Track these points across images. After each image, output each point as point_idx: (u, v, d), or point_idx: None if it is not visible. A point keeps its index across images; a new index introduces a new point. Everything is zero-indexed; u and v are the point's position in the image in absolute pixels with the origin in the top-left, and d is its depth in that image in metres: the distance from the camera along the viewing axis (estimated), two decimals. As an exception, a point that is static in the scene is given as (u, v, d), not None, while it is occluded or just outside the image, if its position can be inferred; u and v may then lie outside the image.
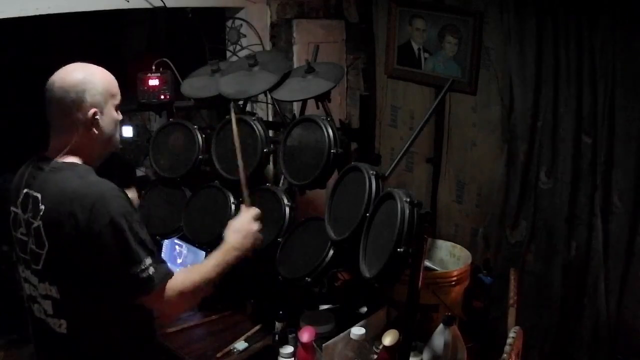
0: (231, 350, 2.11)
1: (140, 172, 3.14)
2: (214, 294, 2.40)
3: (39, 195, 1.50)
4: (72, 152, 1.54)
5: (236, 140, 1.98)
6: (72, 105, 1.50)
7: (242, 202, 1.92)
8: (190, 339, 2.20)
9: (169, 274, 1.52)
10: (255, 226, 1.81)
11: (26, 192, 1.53)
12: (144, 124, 3.33)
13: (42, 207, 1.48)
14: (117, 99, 1.60)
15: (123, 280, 1.47)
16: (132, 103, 2.74)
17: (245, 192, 1.91)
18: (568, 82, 2.34)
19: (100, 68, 1.59)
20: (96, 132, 1.54)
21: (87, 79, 1.52)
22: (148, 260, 1.46)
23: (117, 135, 1.64)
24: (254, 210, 1.85)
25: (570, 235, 2.40)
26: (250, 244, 1.77)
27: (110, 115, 1.58)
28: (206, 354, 2.10)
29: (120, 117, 1.64)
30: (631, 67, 2.16)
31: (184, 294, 1.54)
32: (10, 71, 3.03)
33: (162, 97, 2.57)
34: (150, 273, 1.46)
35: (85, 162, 1.56)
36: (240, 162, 1.96)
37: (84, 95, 1.51)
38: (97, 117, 1.53)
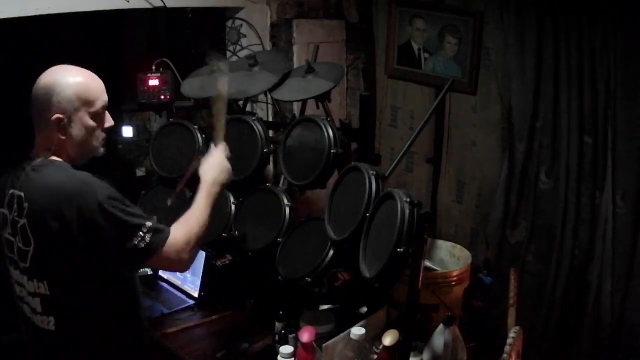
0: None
1: (140, 172, 3.15)
2: (213, 294, 2.43)
3: (22, 194, 1.51)
4: (50, 151, 1.56)
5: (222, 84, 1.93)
6: (42, 106, 1.52)
7: (214, 142, 1.89)
8: (190, 339, 2.19)
9: (167, 232, 1.55)
10: (227, 162, 1.84)
11: (11, 193, 1.55)
12: (144, 124, 3.33)
13: (26, 204, 1.50)
14: (95, 107, 1.57)
15: (124, 254, 1.50)
16: (132, 103, 2.74)
17: (221, 131, 1.89)
18: (568, 82, 2.34)
19: (82, 73, 1.57)
20: (62, 137, 1.54)
21: (57, 83, 1.51)
22: (144, 228, 1.49)
23: (95, 142, 1.61)
24: (224, 146, 1.87)
25: (571, 235, 2.40)
26: (225, 178, 1.80)
27: (81, 123, 1.55)
28: (206, 353, 2.10)
29: (103, 124, 1.61)
30: (631, 67, 2.16)
31: (189, 245, 1.58)
32: (10, 71, 3.02)
33: (162, 97, 2.57)
34: (147, 240, 1.49)
35: (64, 160, 1.57)
36: (221, 108, 1.91)
37: (50, 100, 1.51)
38: (63, 123, 1.52)
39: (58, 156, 1.56)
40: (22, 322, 1.66)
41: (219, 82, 1.93)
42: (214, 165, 1.80)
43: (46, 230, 1.46)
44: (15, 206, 1.53)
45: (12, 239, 1.55)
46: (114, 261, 1.52)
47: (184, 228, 1.61)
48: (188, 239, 1.59)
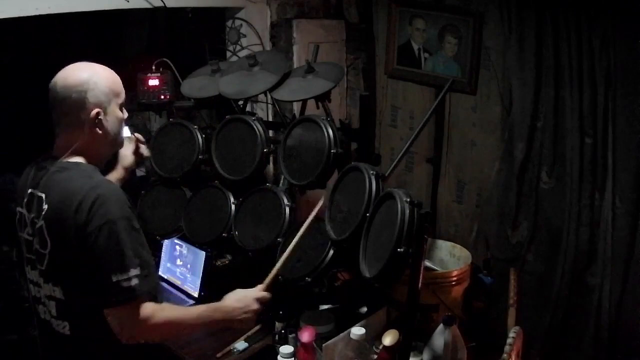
0: (231, 350, 2.11)
1: (140, 172, 3.15)
2: (213, 294, 2.42)
3: (43, 195, 1.50)
4: (76, 152, 1.54)
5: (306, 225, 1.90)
6: (75, 105, 1.50)
7: (262, 281, 1.84)
8: (190, 339, 2.19)
9: (154, 297, 1.48)
10: (257, 307, 1.75)
11: (31, 192, 1.53)
12: (144, 124, 3.33)
13: (46, 206, 1.48)
14: (122, 98, 1.60)
15: (104, 284, 1.44)
16: (132, 103, 2.74)
17: (271, 277, 1.84)
18: (568, 82, 2.34)
19: (104, 67, 1.59)
20: (100, 132, 1.54)
21: (90, 78, 1.52)
22: (135, 271, 1.43)
23: (122, 134, 1.64)
24: (266, 295, 1.79)
25: (572, 235, 2.39)
26: (243, 319, 1.72)
27: (114, 115, 1.58)
28: (206, 354, 2.10)
29: (125, 115, 1.64)
30: (631, 67, 2.16)
31: (155, 324, 1.50)
32: (10, 71, 3.02)
33: (162, 97, 2.57)
34: (133, 284, 1.43)
35: (89, 161, 1.56)
36: (288, 253, 1.88)
37: (86, 95, 1.50)
38: (100, 117, 1.53)
39: (84, 156, 1.54)
40: (36, 323, 1.64)
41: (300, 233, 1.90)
42: (242, 304, 1.71)
43: (62, 234, 1.45)
44: (34, 206, 1.52)
45: (31, 239, 1.54)
46: (94, 287, 1.45)
47: (166, 309, 1.53)
48: (159, 318, 1.50)
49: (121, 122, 1.61)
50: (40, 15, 2.25)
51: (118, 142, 1.63)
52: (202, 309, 1.64)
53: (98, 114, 1.52)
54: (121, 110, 1.61)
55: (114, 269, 1.42)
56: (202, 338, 2.22)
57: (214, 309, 1.66)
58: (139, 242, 1.47)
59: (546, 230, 2.49)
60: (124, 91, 1.61)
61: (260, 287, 1.80)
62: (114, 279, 1.42)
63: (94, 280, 1.46)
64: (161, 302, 1.53)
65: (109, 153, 1.63)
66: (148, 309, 1.48)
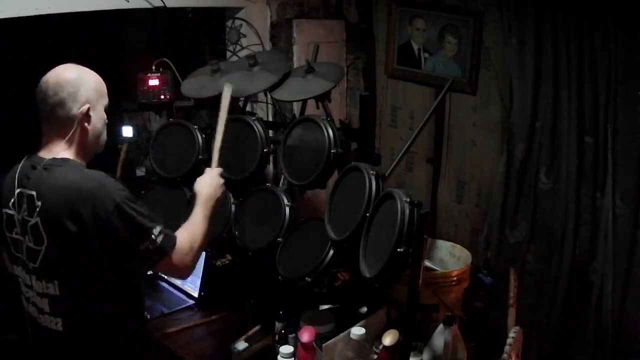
0: (231, 350, 2.11)
1: (140, 172, 3.15)
2: (213, 294, 2.43)
3: (34, 193, 1.51)
4: (63, 150, 1.57)
5: (224, 110, 2.04)
6: (67, 100, 1.54)
7: (210, 164, 1.99)
8: (190, 339, 2.20)
9: (175, 236, 1.60)
10: (221, 180, 1.92)
11: (19, 192, 1.54)
12: (144, 124, 3.33)
13: (39, 203, 1.49)
14: (106, 100, 1.66)
15: (136, 256, 1.53)
16: (132, 103, 2.74)
17: (216, 156, 1.99)
18: (568, 81, 2.34)
19: (90, 70, 1.64)
20: (88, 127, 1.58)
21: (80, 76, 1.58)
22: (156, 230, 1.53)
23: (104, 136, 1.68)
24: (218, 169, 1.95)
25: (572, 235, 2.40)
26: (220, 195, 1.88)
27: (99, 114, 1.63)
28: (206, 354, 2.11)
29: (106, 117, 1.68)
30: (632, 66, 2.16)
31: (192, 251, 1.64)
32: (10, 71, 3.02)
33: (162, 97, 2.57)
34: (159, 243, 1.53)
35: (77, 158, 1.59)
36: (220, 129, 2.02)
37: (79, 91, 1.55)
38: (90, 113, 1.58)
39: (70, 154, 1.58)
40: (28, 322, 1.66)
41: (220, 118, 2.03)
42: (209, 184, 1.87)
43: (61, 229, 1.46)
44: (25, 205, 1.52)
45: (21, 238, 1.55)
46: (126, 262, 1.56)
47: (188, 234, 1.66)
48: (192, 244, 1.64)
49: (104, 123, 1.66)
50: (40, 15, 2.25)
51: (100, 143, 1.67)
52: (199, 211, 1.77)
53: (89, 109, 1.58)
54: (105, 112, 1.66)
55: (138, 240, 1.51)
56: (202, 338, 2.22)
57: (204, 203, 1.80)
58: (142, 208, 1.55)
59: (545, 231, 2.49)
60: (107, 94, 1.67)
61: (213, 166, 1.97)
62: (142, 247, 1.51)
63: (97, 270, 1.52)
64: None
65: (92, 152, 1.66)
66: (179, 250, 1.59)
